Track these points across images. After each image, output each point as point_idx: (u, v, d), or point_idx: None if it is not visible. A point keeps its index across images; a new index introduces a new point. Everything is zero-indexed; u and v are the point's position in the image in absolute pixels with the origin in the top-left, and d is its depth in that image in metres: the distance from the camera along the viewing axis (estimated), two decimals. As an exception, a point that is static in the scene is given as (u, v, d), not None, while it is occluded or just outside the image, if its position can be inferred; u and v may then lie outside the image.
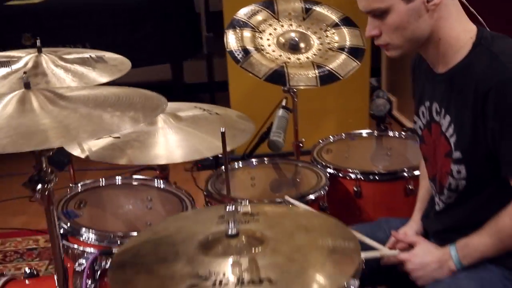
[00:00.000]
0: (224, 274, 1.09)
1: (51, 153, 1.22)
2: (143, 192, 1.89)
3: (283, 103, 2.33)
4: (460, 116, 1.46)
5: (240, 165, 2.27)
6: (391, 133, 2.47)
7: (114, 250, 1.47)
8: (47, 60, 1.79)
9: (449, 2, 1.46)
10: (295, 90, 2.34)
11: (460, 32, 1.47)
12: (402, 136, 2.46)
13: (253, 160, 2.30)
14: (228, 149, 1.89)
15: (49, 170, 1.25)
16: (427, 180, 1.74)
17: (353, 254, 1.15)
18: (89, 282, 1.45)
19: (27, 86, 1.21)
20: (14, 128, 1.10)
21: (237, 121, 2.13)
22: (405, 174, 2.14)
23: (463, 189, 1.51)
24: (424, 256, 1.58)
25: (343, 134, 2.48)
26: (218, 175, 2.15)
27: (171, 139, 1.90)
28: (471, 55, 1.44)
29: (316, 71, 2.28)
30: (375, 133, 2.48)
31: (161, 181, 1.90)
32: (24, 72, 1.26)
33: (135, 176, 1.91)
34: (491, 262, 1.51)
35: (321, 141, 2.42)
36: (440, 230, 1.63)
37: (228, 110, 2.24)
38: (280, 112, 2.29)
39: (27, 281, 1.74)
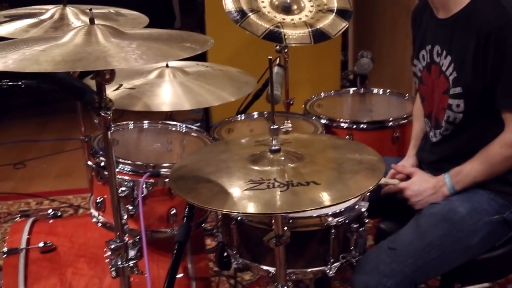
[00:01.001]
0: (274, 179, 1.27)
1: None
2: (165, 135, 2.05)
3: (277, 62, 2.53)
4: (461, 55, 1.67)
5: (243, 118, 2.45)
6: (375, 91, 2.69)
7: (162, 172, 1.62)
8: (72, 12, 1.92)
9: None
10: (286, 50, 2.54)
11: None
12: (386, 93, 2.68)
13: (254, 113, 2.47)
14: (240, 96, 2.08)
15: (108, 99, 1.40)
16: (420, 121, 1.96)
17: (378, 164, 1.35)
18: (131, 207, 1.61)
19: (91, 21, 1.35)
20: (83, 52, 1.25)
21: (239, 75, 2.29)
22: (391, 123, 2.36)
23: (460, 122, 1.73)
24: (421, 184, 1.80)
25: (332, 91, 2.69)
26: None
27: (181, 89, 2.06)
28: (474, 1, 1.66)
29: (309, 30, 2.47)
30: (361, 90, 2.69)
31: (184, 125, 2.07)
32: (90, 9, 1.39)
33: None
34: (479, 187, 1.74)
35: (313, 96, 2.62)
36: (435, 161, 1.85)
37: (229, 67, 2.40)
38: (276, 69, 2.47)
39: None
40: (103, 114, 1.38)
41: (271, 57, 1.34)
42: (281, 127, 1.42)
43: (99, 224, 1.79)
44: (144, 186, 1.55)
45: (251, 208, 1.19)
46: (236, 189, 1.25)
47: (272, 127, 1.33)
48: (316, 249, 1.63)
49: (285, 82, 2.61)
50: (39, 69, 1.19)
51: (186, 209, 1.65)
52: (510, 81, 1.61)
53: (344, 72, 4.63)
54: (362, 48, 2.83)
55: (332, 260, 1.63)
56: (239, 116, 2.45)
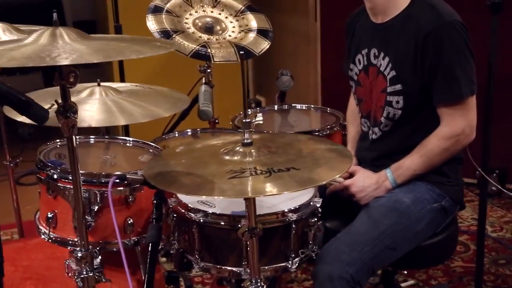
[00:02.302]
0: (255, 168, 1.31)
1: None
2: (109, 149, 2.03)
3: (203, 80, 2.59)
4: (400, 56, 1.82)
5: (176, 135, 2.47)
6: (298, 106, 2.81)
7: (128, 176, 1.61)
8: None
9: None
10: (209, 70, 2.61)
11: None
12: (310, 108, 2.80)
13: (187, 130, 2.50)
14: (176, 111, 2.11)
15: (73, 102, 1.38)
16: (354, 124, 2.10)
17: (345, 151, 1.44)
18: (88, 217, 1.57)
19: (55, 23, 1.34)
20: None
21: (171, 93, 2.32)
22: (317, 134, 2.46)
23: (399, 118, 1.88)
24: (365, 180, 1.91)
25: (258, 108, 2.78)
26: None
27: (113, 106, 2.04)
28: (411, 7, 1.83)
29: (235, 48, 2.55)
30: (285, 106, 2.79)
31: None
32: (54, 11, 1.37)
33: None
34: (418, 179, 1.89)
35: (240, 113, 2.69)
36: (375, 157, 1.97)
37: (158, 86, 2.42)
38: (203, 87, 2.53)
39: None
40: (71, 117, 1.36)
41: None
42: (253, 120, 1.47)
43: (50, 241, 1.72)
44: (110, 190, 1.51)
45: (267, 189, 1.21)
46: (220, 178, 1.28)
47: (244, 120, 1.38)
48: (278, 246, 1.68)
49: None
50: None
51: (154, 211, 1.63)
52: (445, 79, 1.78)
53: (247, 100, 4.75)
54: (262, 75, 2.95)
55: (293, 255, 1.68)
56: (171, 134, 2.47)
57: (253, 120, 1.46)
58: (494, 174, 3.45)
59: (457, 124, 1.81)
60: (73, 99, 2.03)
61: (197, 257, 1.68)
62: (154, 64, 3.81)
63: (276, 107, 2.80)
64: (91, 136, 2.05)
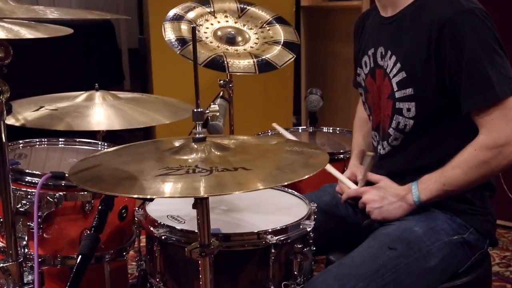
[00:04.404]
0: (196, 166, 1.06)
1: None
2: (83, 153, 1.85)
3: (221, 94, 2.37)
4: (410, 54, 1.52)
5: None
6: (325, 129, 2.54)
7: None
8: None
9: None
10: (231, 85, 2.39)
11: None
12: (336, 131, 2.53)
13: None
14: (176, 119, 1.94)
15: (2, 82, 1.19)
16: (361, 131, 1.87)
17: (320, 156, 1.16)
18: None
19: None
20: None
21: (178, 103, 2.15)
22: (342, 156, 2.19)
23: (410, 130, 1.55)
24: (386, 189, 1.57)
25: (218, 99, 2.50)
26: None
27: (111, 111, 1.92)
28: None
29: (254, 60, 2.33)
30: (310, 129, 2.53)
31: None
32: None
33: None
34: (435, 206, 1.54)
35: (260, 134, 2.45)
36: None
37: (167, 97, 2.24)
38: (218, 100, 2.33)
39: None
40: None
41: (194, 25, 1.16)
42: (206, 110, 1.22)
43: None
44: (38, 191, 1.29)
45: (164, 190, 0.97)
46: (145, 176, 1.03)
47: (195, 109, 1.13)
48: (253, 274, 1.40)
49: (230, 116, 2.44)
50: None
51: (95, 218, 1.38)
52: (472, 78, 1.43)
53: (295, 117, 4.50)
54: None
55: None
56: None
57: (207, 110, 1.21)
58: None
59: (499, 132, 1.42)
60: (67, 103, 1.95)
61: (158, 280, 1.43)
62: (182, 78, 3.63)
63: (300, 128, 2.54)
64: (60, 139, 1.87)
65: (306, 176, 1.01)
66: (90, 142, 1.89)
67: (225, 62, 2.28)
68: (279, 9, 2.72)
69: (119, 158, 1.15)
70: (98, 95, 2.00)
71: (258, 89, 3.80)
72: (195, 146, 1.15)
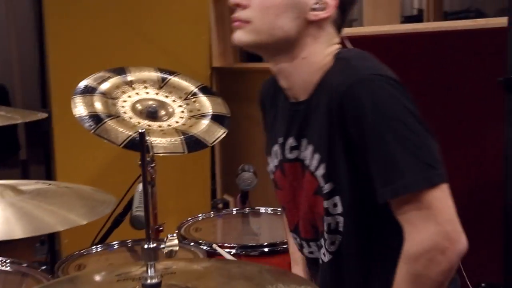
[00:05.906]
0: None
1: None
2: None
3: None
4: (317, 140, 1.24)
5: (99, 250, 1.89)
6: (262, 209, 2.27)
7: None
8: None
9: (330, 30, 1.28)
10: (153, 164, 2.07)
11: (325, 55, 1.27)
12: (275, 211, 2.26)
13: (114, 243, 1.93)
14: (94, 218, 1.60)
15: None
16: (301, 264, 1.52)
17: None
18: None
19: None
20: None
21: (93, 193, 1.79)
22: (286, 246, 1.92)
23: (344, 229, 1.23)
24: None
25: (211, 212, 2.24)
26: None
27: (10, 213, 1.52)
28: (329, 70, 1.24)
29: (181, 137, 2.04)
30: (246, 210, 2.26)
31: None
32: None
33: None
34: None
35: (189, 219, 2.14)
36: None
37: (79, 185, 1.89)
38: (140, 186, 2.01)
39: None
40: None
41: (143, 130, 0.87)
42: (161, 246, 0.91)
43: None
44: None
45: None
46: None
47: (146, 245, 0.82)
48: None
49: (153, 203, 2.11)
50: None
51: None
52: (378, 163, 1.12)
53: (213, 201, 4.26)
54: (229, 175, 2.46)
55: None
56: (93, 247, 1.89)
57: (162, 245, 0.91)
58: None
59: (421, 235, 1.10)
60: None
61: None
62: (91, 160, 3.23)
63: (234, 210, 2.26)
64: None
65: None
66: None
67: (148, 141, 1.98)
68: (193, 71, 2.48)
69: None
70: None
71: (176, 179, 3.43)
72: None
